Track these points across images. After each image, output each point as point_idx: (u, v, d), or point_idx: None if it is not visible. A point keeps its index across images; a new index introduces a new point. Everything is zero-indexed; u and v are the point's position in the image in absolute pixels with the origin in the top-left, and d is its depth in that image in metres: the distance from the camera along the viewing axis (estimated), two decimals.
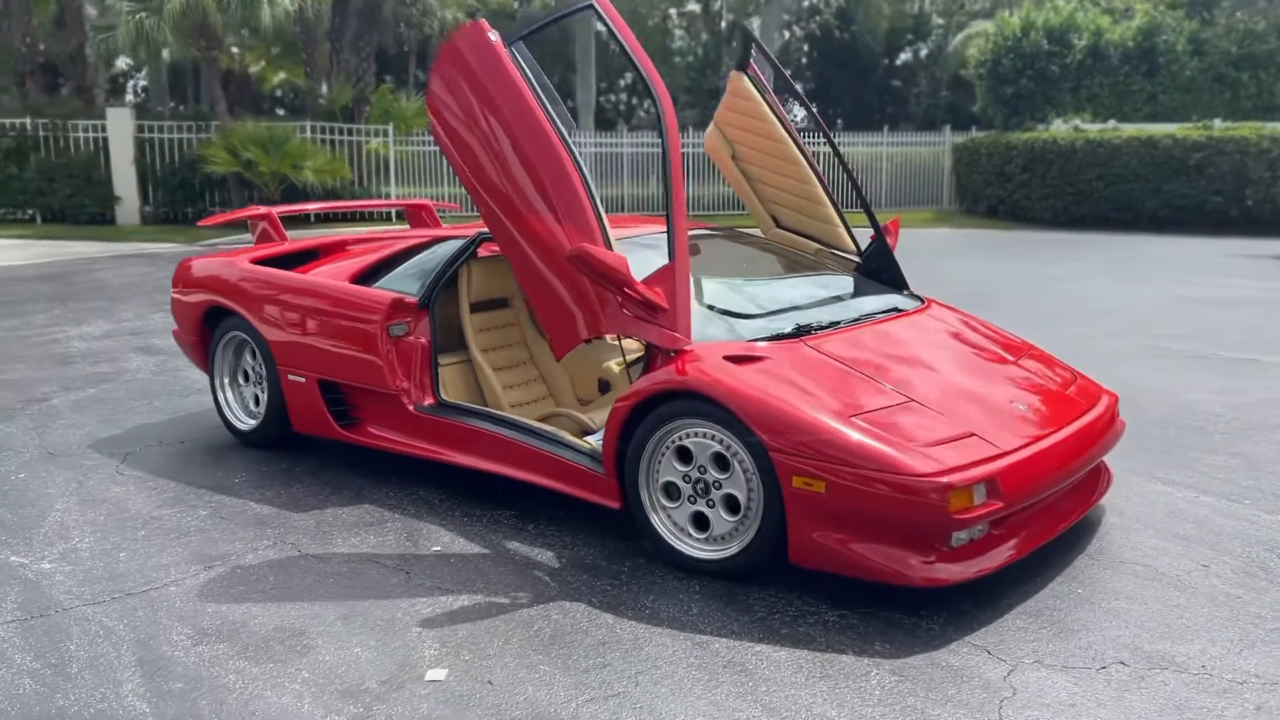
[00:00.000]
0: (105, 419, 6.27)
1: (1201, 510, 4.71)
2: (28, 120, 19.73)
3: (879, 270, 5.37)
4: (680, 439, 4.04)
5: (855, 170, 23.63)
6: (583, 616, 3.68)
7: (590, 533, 4.44)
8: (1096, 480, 4.54)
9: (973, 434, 3.85)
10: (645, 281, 4.16)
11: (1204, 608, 3.78)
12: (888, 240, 5.38)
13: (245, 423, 5.73)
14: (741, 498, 3.90)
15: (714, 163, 5.73)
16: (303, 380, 5.32)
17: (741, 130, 5.62)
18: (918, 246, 17.08)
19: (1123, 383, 7.09)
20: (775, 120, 5.47)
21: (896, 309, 4.89)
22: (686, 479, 4.04)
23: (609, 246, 4.16)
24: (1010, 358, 4.60)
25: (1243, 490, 4.98)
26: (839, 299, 4.92)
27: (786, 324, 4.42)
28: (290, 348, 5.36)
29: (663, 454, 4.09)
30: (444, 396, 5.03)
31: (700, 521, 4.03)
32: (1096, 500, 4.49)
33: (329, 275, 5.40)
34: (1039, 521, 4.04)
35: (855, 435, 3.67)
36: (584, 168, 4.22)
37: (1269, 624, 3.65)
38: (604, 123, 34.61)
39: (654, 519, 4.13)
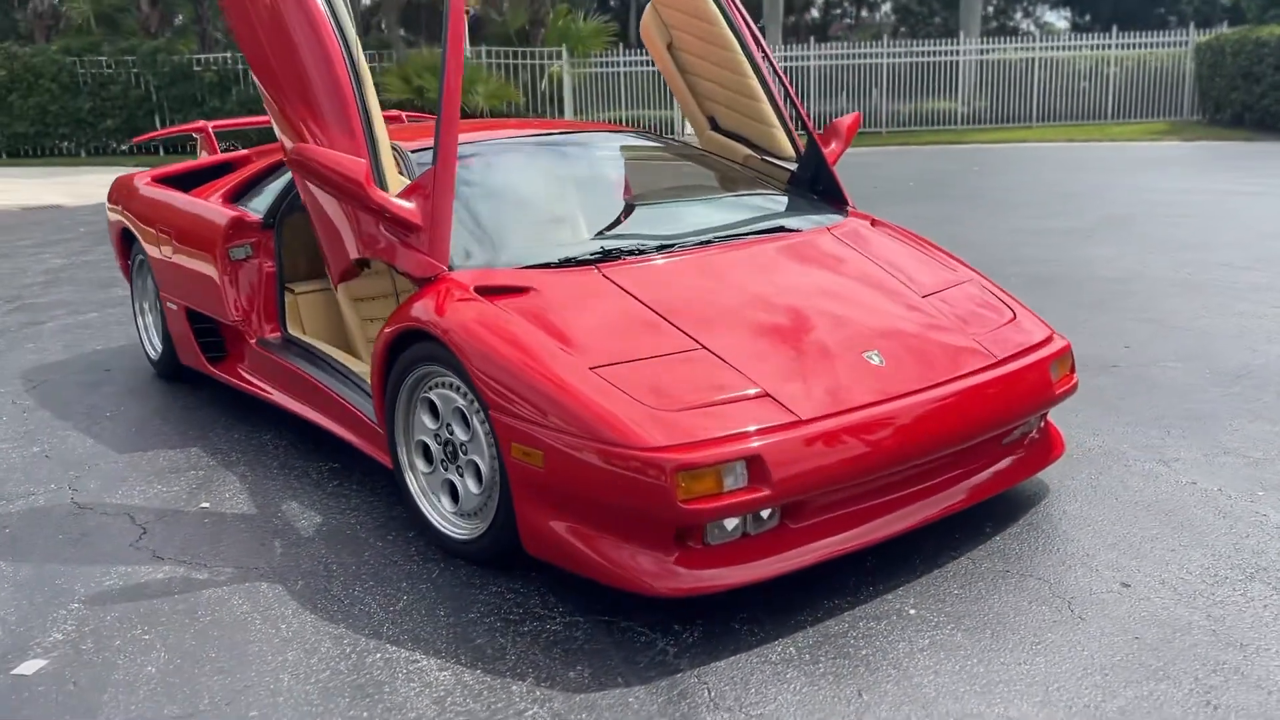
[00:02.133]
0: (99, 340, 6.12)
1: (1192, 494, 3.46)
2: (228, 55, 20.63)
3: (815, 180, 4.29)
4: (428, 389, 3.26)
5: (1077, 77, 21.31)
6: (256, 604, 3.01)
7: (394, 496, 3.74)
8: (1017, 452, 3.40)
9: (766, 394, 2.85)
10: (403, 193, 3.37)
11: None
12: (827, 146, 4.29)
13: (154, 351, 5.36)
14: (484, 467, 3.09)
15: (647, 49, 4.77)
16: (175, 308, 4.87)
17: (678, 12, 4.62)
18: (1113, 161, 14.98)
19: (1222, 325, 5.61)
20: (715, 3, 4.45)
21: (782, 229, 3.85)
22: (437, 438, 3.27)
23: (375, 154, 3.40)
24: (918, 294, 3.48)
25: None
26: (709, 217, 3.93)
27: (595, 246, 3.51)
28: (164, 272, 4.92)
29: (415, 406, 3.33)
30: (295, 330, 4.43)
31: (454, 493, 3.25)
32: (1016, 479, 3.36)
33: (208, 193, 4.88)
34: (884, 510, 3.01)
35: (585, 393, 2.77)
36: (357, 59, 3.45)
37: None
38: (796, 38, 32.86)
39: (407, 480, 3.38)
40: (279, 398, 4.25)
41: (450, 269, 3.32)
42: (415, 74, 18.93)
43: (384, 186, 3.40)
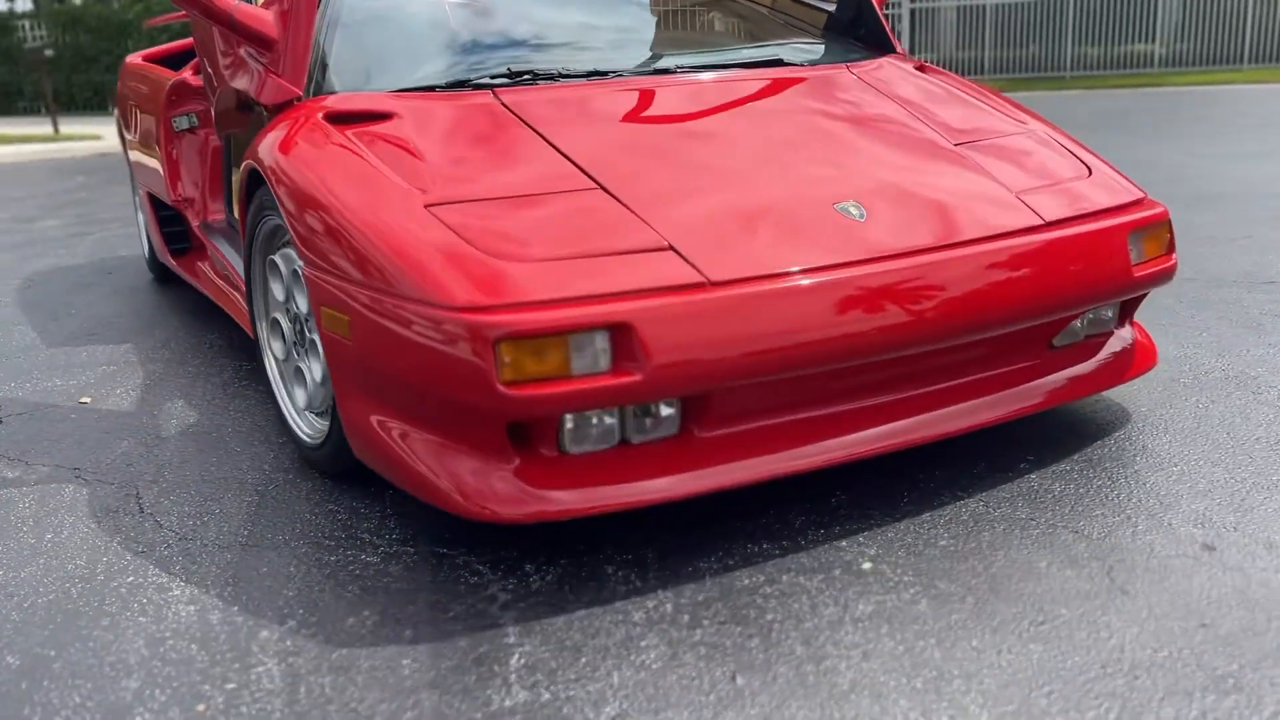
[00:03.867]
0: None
1: None
2: None
3: (855, 23, 3.33)
4: (276, 248, 2.55)
5: None
6: (45, 507, 2.38)
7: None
8: (1077, 361, 2.42)
9: (670, 248, 2.00)
10: (263, 2, 2.65)
11: None
12: None
13: (145, 249, 4.87)
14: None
15: None
16: (141, 194, 4.34)
17: None
18: None
19: None
20: None
21: (779, 60, 2.92)
22: (287, 312, 2.55)
23: None
24: (948, 141, 2.51)
25: None
26: (690, 58, 3.01)
27: (502, 69, 2.68)
28: (132, 152, 4.40)
29: (266, 270, 2.63)
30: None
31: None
32: (1069, 396, 2.39)
33: (185, 70, 4.31)
34: (848, 424, 2.12)
35: (399, 235, 1.99)
36: None
37: None
38: None
39: (266, 369, 2.69)
40: (207, 288, 3.64)
41: (313, 94, 2.59)
42: None
43: None
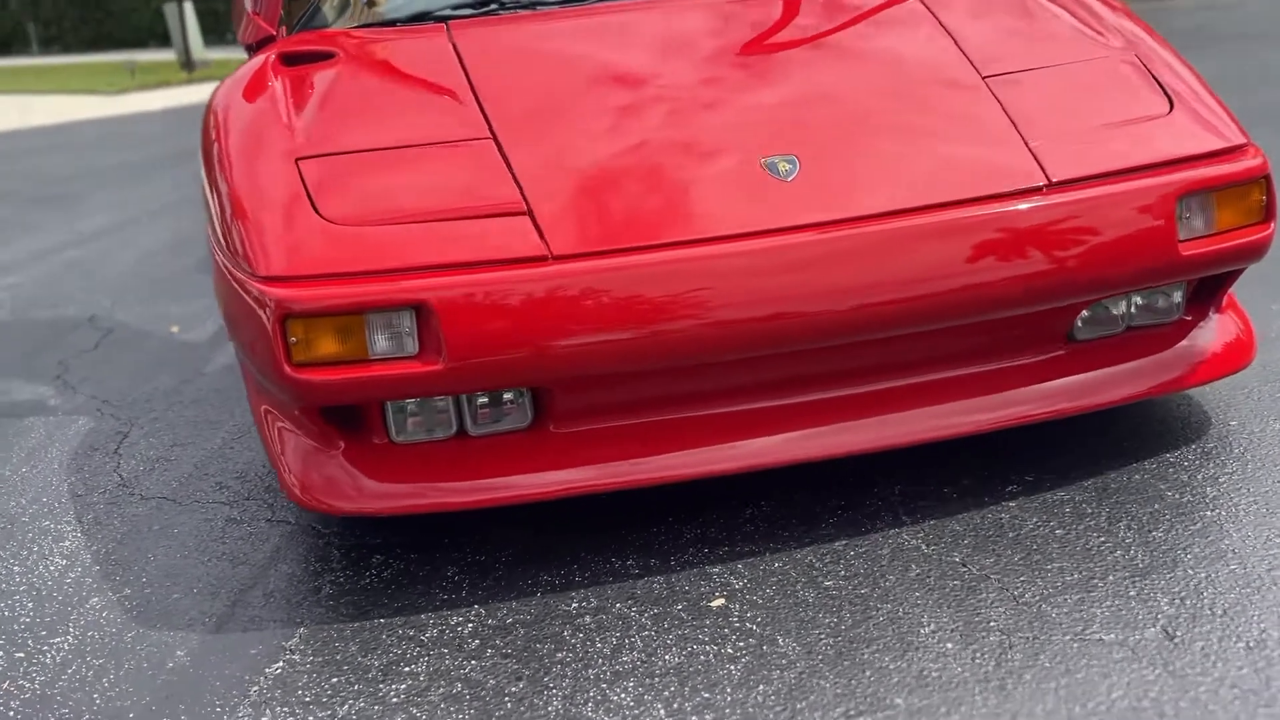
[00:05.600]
0: None
1: None
2: None
3: None
4: None
5: None
6: None
7: None
8: (1122, 357, 1.88)
9: (526, 212, 1.71)
10: None
11: None
12: None
13: None
14: None
15: None
16: None
17: None
18: None
19: None
20: None
21: None
22: None
23: None
24: (978, 73, 1.93)
25: None
26: None
27: None
28: None
29: None
30: None
31: None
32: (1112, 399, 1.87)
33: None
34: (763, 423, 1.77)
35: (245, 192, 1.83)
36: None
37: None
38: None
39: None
40: None
41: (286, 34, 2.47)
42: None
43: None
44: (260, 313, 1.65)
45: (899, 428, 1.79)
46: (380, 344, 1.61)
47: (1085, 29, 2.15)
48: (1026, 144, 1.81)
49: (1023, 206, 1.72)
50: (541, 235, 1.67)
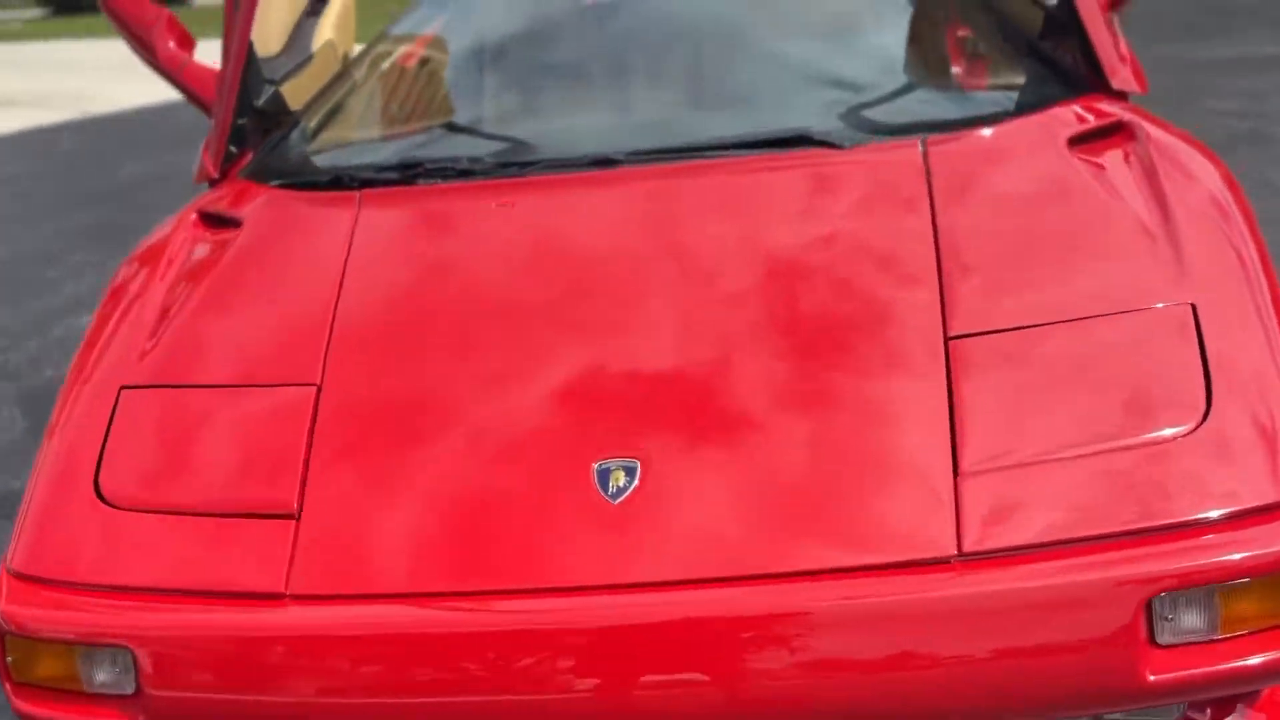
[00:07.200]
0: None
1: None
2: None
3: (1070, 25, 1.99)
4: None
5: None
6: None
7: None
8: None
9: (294, 515, 1.41)
10: None
11: None
12: None
13: None
14: None
15: None
16: None
17: None
18: None
19: None
20: None
21: (804, 136, 1.86)
22: None
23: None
24: (946, 332, 1.46)
25: None
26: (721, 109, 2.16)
27: (399, 156, 2.08)
28: None
29: None
30: None
31: None
32: None
33: None
34: None
35: (61, 436, 1.58)
36: None
37: None
38: None
39: None
40: None
41: (225, 174, 2.15)
42: None
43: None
44: None
45: None
46: (98, 676, 1.35)
47: (1139, 237, 1.57)
48: (955, 481, 1.32)
49: (894, 594, 1.26)
50: (292, 560, 1.36)
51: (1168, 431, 1.34)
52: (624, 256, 1.72)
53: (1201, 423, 1.34)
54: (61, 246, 5.24)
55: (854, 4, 2.42)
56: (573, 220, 1.83)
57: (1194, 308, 1.45)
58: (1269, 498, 1.27)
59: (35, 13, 21.08)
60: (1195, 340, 1.42)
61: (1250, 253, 1.54)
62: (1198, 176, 1.70)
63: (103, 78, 10.61)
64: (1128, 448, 1.33)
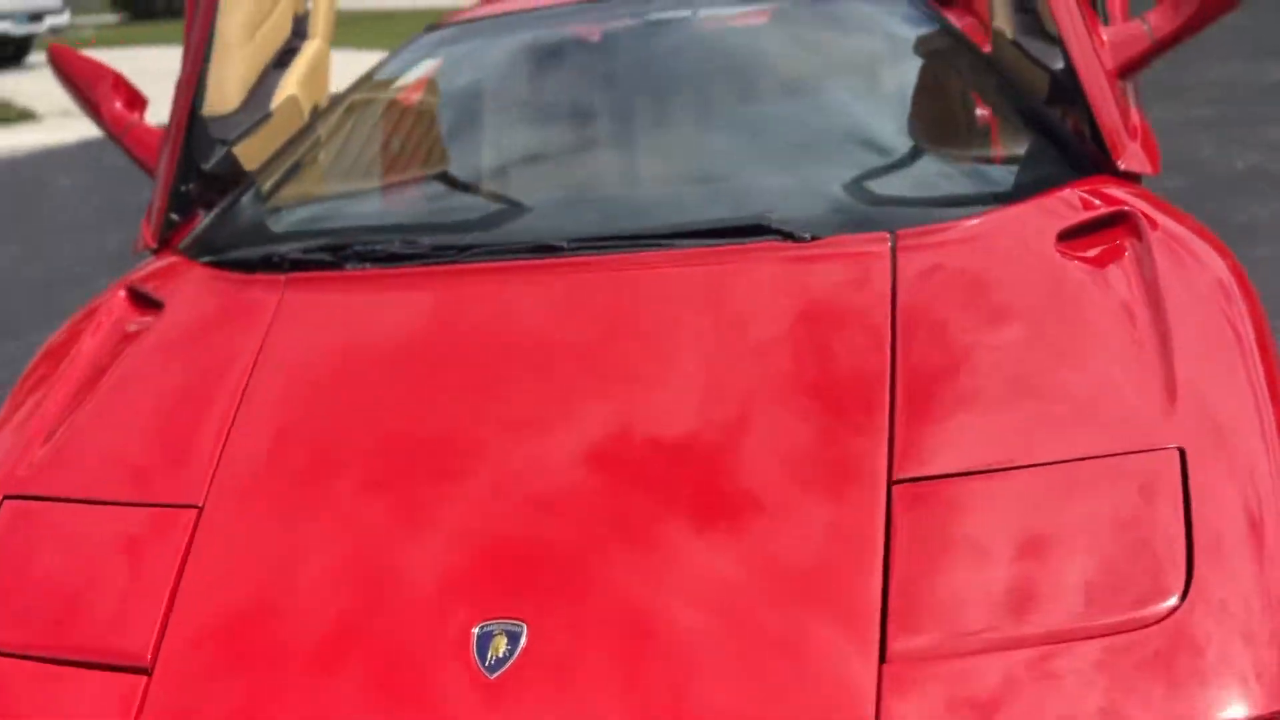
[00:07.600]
0: None
1: None
2: None
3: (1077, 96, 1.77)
4: None
5: None
6: None
7: None
8: None
9: (142, 669, 1.26)
10: None
11: None
12: (1125, 25, 1.90)
13: None
14: None
15: None
16: None
17: None
18: None
19: None
20: None
21: (761, 226, 1.67)
22: None
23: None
24: (891, 475, 1.29)
25: None
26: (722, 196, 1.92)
27: (328, 238, 1.92)
28: None
29: None
30: None
31: None
32: None
33: None
34: None
35: None
36: None
37: None
38: None
39: None
40: None
41: (167, 242, 2.07)
42: None
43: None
44: None
45: None
46: None
47: (1125, 361, 1.38)
48: (880, 669, 1.13)
49: None
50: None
51: (1147, 609, 1.13)
52: (546, 363, 1.55)
53: (1174, 610, 1.13)
54: (89, 271, 5.22)
55: (828, 71, 2.23)
56: (501, 316, 1.67)
57: (1182, 454, 1.25)
58: (1242, 713, 1.07)
59: (110, 18, 21.55)
60: (1179, 498, 1.22)
61: (1255, 367, 1.36)
62: (1201, 278, 1.51)
63: (168, 89, 10.67)
64: (1083, 637, 1.13)
